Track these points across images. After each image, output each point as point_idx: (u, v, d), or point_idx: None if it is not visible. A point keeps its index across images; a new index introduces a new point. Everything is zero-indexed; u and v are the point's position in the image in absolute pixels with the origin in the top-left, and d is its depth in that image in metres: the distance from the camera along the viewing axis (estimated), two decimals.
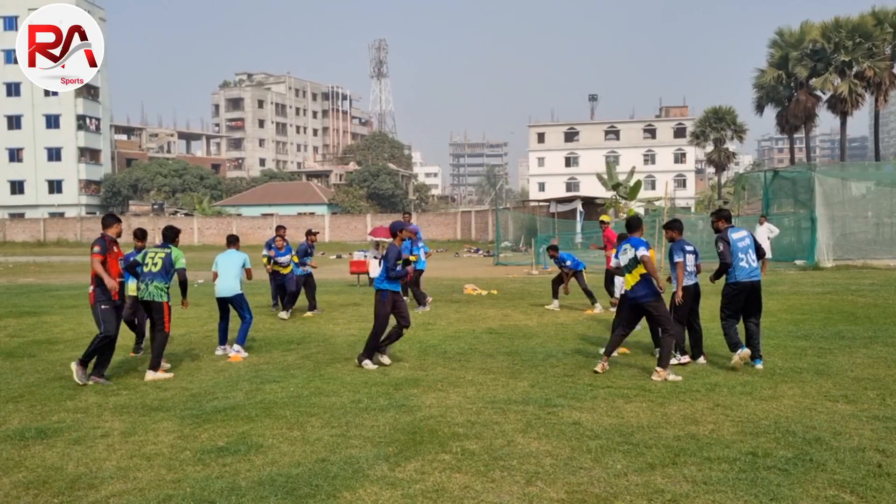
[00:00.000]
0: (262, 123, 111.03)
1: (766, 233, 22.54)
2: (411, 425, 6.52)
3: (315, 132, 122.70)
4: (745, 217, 31.31)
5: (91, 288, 8.59)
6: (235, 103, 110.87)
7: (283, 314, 14.02)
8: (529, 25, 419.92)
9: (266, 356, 10.17)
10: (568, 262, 14.50)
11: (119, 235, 8.90)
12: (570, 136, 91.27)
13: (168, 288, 8.98)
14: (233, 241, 10.97)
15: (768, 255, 22.31)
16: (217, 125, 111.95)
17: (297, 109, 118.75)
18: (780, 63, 53.52)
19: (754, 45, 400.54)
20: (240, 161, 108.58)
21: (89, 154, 78.68)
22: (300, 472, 5.38)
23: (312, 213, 69.66)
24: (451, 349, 10.30)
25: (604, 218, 16.23)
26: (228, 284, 10.34)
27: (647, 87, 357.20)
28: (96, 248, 8.48)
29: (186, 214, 67.80)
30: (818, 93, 54.17)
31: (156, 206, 71.98)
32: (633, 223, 8.95)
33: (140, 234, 10.28)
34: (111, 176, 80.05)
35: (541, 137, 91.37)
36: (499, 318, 13.57)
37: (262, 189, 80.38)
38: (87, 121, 77.38)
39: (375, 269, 20.86)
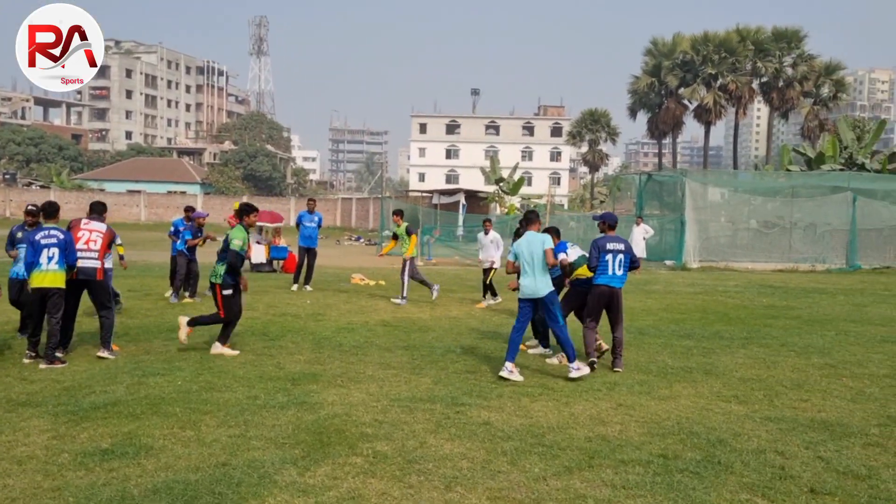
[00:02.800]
0: (129, 94, 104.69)
1: (641, 233, 23.52)
2: (316, 425, 6.17)
3: (188, 107, 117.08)
4: (619, 217, 32.62)
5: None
6: (101, 71, 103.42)
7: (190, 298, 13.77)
8: (413, 16, 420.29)
9: (145, 345, 9.44)
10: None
11: None
12: (452, 128, 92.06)
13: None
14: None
15: (643, 255, 23.45)
16: (79, 93, 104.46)
17: (170, 82, 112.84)
18: (654, 71, 56.24)
19: (626, 52, 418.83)
20: (104, 133, 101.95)
21: None
22: (199, 479, 4.93)
23: (184, 192, 66.55)
24: (347, 342, 9.97)
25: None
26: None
27: (527, 86, 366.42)
28: None
29: (42, 187, 63.00)
30: (686, 102, 57.37)
31: (7, 176, 66.40)
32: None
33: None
34: None
35: (423, 128, 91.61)
36: (391, 309, 13.33)
37: (129, 164, 75.96)
38: None
39: (258, 254, 20.08)
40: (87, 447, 5.51)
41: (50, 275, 8.22)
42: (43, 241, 8.23)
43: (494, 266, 14.62)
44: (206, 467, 5.15)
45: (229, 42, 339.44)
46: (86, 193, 59.84)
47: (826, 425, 6.48)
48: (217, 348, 8.94)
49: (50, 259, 8.20)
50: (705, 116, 54.92)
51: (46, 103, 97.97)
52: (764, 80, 55.26)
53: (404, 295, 14.20)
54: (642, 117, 60.13)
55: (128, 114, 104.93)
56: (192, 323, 9.09)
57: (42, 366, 8.07)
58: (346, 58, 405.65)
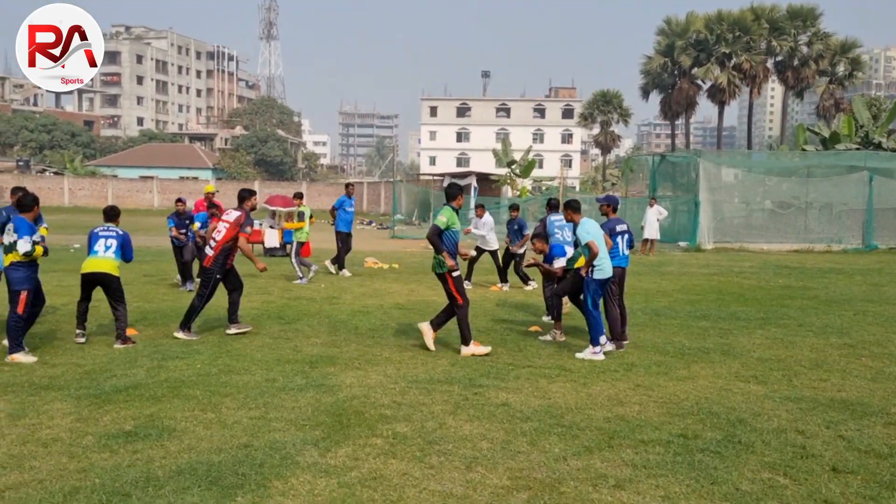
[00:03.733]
0: (140, 80, 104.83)
1: (655, 214, 23.37)
2: (335, 406, 6.21)
3: (199, 93, 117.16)
4: (633, 199, 32.50)
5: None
6: (111, 57, 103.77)
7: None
8: None
9: (164, 329, 9.51)
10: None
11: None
12: (462, 111, 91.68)
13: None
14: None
15: (657, 236, 23.34)
16: (91, 79, 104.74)
17: (180, 68, 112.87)
18: (667, 51, 55.75)
19: (638, 33, 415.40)
20: (115, 119, 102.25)
21: None
22: (223, 460, 4.97)
23: (196, 178, 66.74)
24: (362, 325, 10.00)
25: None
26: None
27: (538, 67, 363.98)
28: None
29: (56, 173, 63.34)
30: (699, 82, 56.84)
31: (21, 163, 66.69)
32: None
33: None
34: None
35: (433, 111, 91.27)
36: (405, 293, 13.35)
37: (141, 150, 76.16)
38: None
39: (271, 238, 20.15)
40: (111, 429, 5.57)
41: (103, 261, 8.53)
42: (102, 233, 8.66)
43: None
44: (229, 448, 5.19)
45: (239, 26, 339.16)
46: (99, 180, 60.17)
47: (846, 405, 6.45)
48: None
49: (107, 248, 8.58)
50: (719, 96, 54.43)
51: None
52: (779, 58, 54.67)
53: (300, 275, 14.62)
54: (655, 98, 59.73)
55: (139, 100, 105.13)
56: (438, 325, 8.70)
57: (117, 345, 8.43)
58: (355, 41, 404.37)
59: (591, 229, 8.34)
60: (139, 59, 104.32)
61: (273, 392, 6.61)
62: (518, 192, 45.10)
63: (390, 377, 7.23)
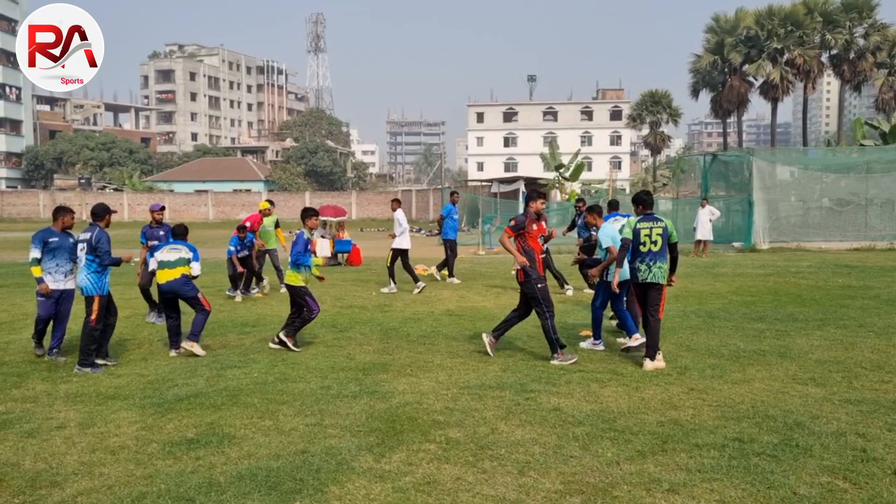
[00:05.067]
0: (193, 97, 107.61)
1: (707, 215, 23.00)
2: (388, 413, 6.31)
3: (250, 107, 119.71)
4: (683, 200, 32.02)
5: None
6: (166, 75, 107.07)
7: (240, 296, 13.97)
8: (466, 3, 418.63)
9: (220, 339, 9.77)
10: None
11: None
12: (509, 116, 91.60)
13: None
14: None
15: (710, 237, 22.96)
16: (146, 97, 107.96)
17: (231, 83, 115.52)
18: (716, 49, 54.74)
19: (689, 31, 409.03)
20: (171, 135, 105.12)
21: (9, 125, 75.01)
22: (281, 466, 5.12)
23: (249, 190, 68.20)
24: (414, 332, 10.11)
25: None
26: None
27: (585, 69, 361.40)
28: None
29: (116, 190, 65.43)
30: (751, 79, 55.67)
31: (83, 181, 69.12)
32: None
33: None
34: (33, 148, 76.48)
35: (480, 117, 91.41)
36: (455, 299, 13.43)
37: (196, 164, 78.12)
38: (7, 90, 73.69)
39: (323, 248, 20.46)
40: (174, 437, 5.77)
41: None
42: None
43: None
44: (286, 455, 5.33)
45: (288, 41, 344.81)
46: (156, 195, 61.89)
47: None
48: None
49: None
50: (772, 93, 53.17)
51: (116, 108, 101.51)
52: (833, 52, 53.10)
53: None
54: (705, 97, 58.71)
55: (193, 116, 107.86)
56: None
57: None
58: (401, 50, 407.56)
59: (610, 233, 8.78)
60: (192, 76, 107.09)
61: (328, 399, 6.75)
62: (567, 196, 44.82)
63: (442, 383, 7.30)
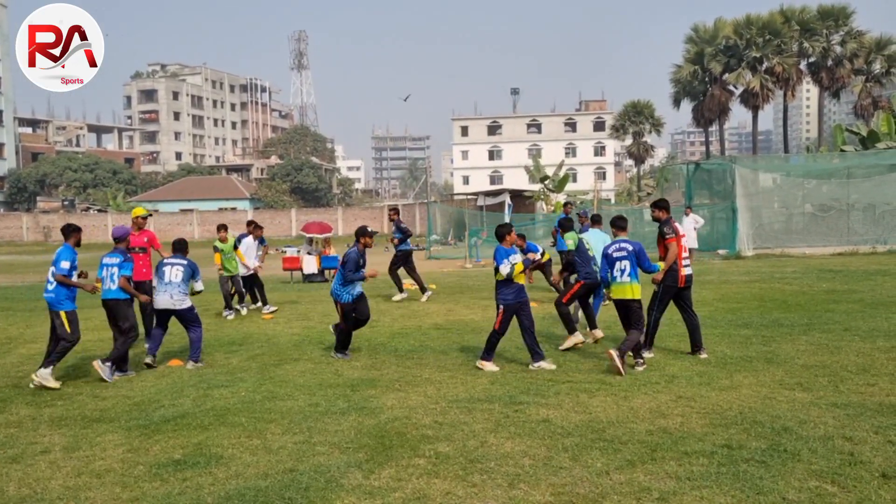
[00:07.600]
0: (177, 116, 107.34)
1: (692, 223, 23.10)
2: (377, 429, 6.28)
3: (234, 125, 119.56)
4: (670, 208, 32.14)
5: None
6: (149, 95, 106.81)
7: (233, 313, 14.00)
8: (450, 18, 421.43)
9: (207, 358, 9.69)
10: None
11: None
12: (493, 129, 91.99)
13: None
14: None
15: (695, 245, 23.08)
16: (129, 118, 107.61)
17: (215, 102, 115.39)
18: (696, 59, 55.36)
19: (670, 41, 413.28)
20: (155, 155, 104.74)
21: None
22: (269, 485, 5.07)
23: (234, 209, 67.97)
24: (402, 347, 10.08)
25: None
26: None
27: (567, 82, 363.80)
28: None
29: (100, 211, 65.06)
30: (731, 87, 56.28)
31: (66, 203, 68.68)
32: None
33: None
34: (16, 171, 75.97)
35: (464, 131, 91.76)
36: (443, 313, 13.41)
37: (180, 184, 77.85)
38: None
39: (309, 264, 20.40)
40: (161, 458, 5.71)
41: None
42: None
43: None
44: (275, 474, 5.29)
45: (271, 58, 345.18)
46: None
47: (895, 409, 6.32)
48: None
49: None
50: (752, 101, 53.79)
51: (99, 129, 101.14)
52: (812, 60, 53.85)
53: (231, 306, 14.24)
54: (686, 106, 59.25)
55: (177, 135, 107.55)
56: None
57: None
58: (384, 66, 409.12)
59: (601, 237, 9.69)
60: (175, 95, 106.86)
61: (316, 416, 6.71)
62: (552, 208, 44.99)
63: (431, 398, 7.28)
